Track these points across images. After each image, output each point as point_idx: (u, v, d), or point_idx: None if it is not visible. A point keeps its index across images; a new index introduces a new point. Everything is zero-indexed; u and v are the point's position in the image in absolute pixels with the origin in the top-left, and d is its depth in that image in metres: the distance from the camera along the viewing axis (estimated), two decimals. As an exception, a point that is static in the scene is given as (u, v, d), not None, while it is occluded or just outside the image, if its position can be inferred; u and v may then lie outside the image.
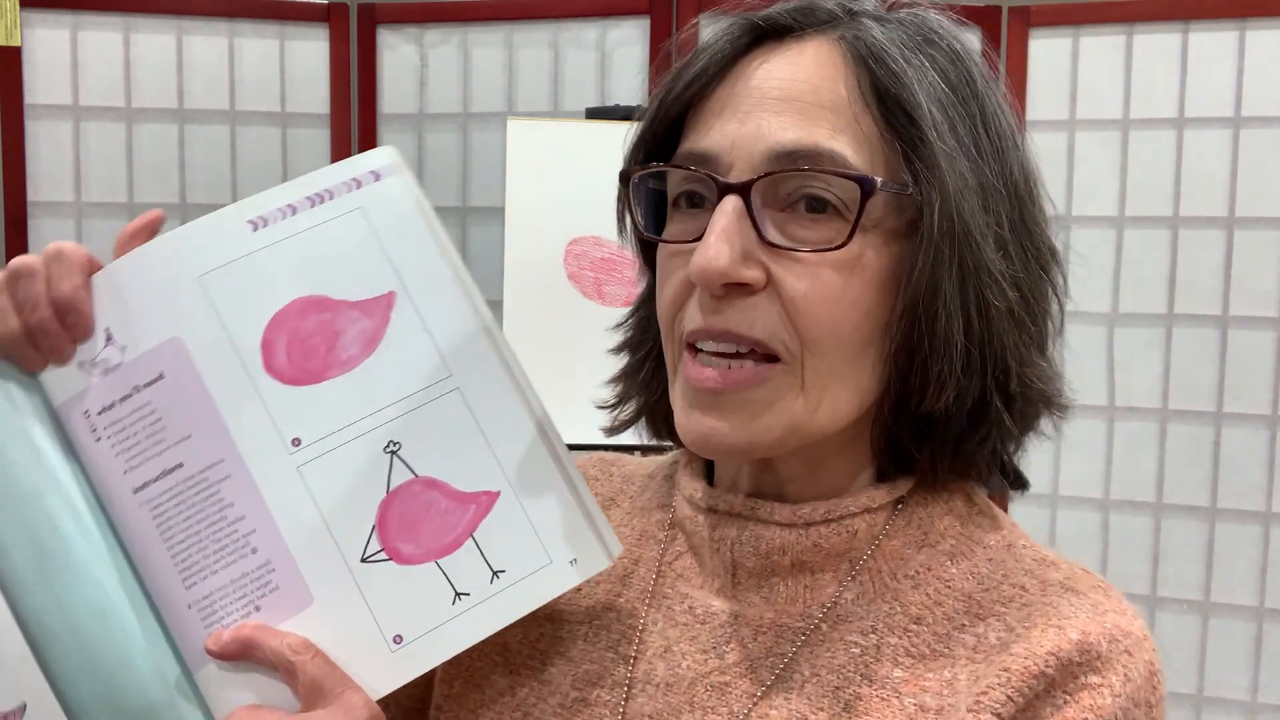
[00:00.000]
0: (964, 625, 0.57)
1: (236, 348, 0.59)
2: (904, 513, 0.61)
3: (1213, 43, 2.11)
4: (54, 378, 0.59)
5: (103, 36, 2.22)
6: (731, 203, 0.56)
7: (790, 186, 0.56)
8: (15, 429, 0.58)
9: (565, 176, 1.75)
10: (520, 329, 1.70)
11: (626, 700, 0.61)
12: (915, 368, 0.57)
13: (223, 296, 0.60)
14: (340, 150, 2.31)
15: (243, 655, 0.57)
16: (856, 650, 0.58)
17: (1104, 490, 2.24)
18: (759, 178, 0.56)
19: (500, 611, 0.59)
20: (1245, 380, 2.11)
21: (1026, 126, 2.24)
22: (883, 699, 0.56)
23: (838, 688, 0.57)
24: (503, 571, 0.59)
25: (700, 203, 0.59)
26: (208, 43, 2.25)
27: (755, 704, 0.58)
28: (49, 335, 0.59)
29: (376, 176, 0.62)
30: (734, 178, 0.56)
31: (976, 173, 0.57)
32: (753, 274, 0.56)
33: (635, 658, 0.63)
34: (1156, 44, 2.15)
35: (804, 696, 0.57)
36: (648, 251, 0.66)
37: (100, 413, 0.59)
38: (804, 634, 0.59)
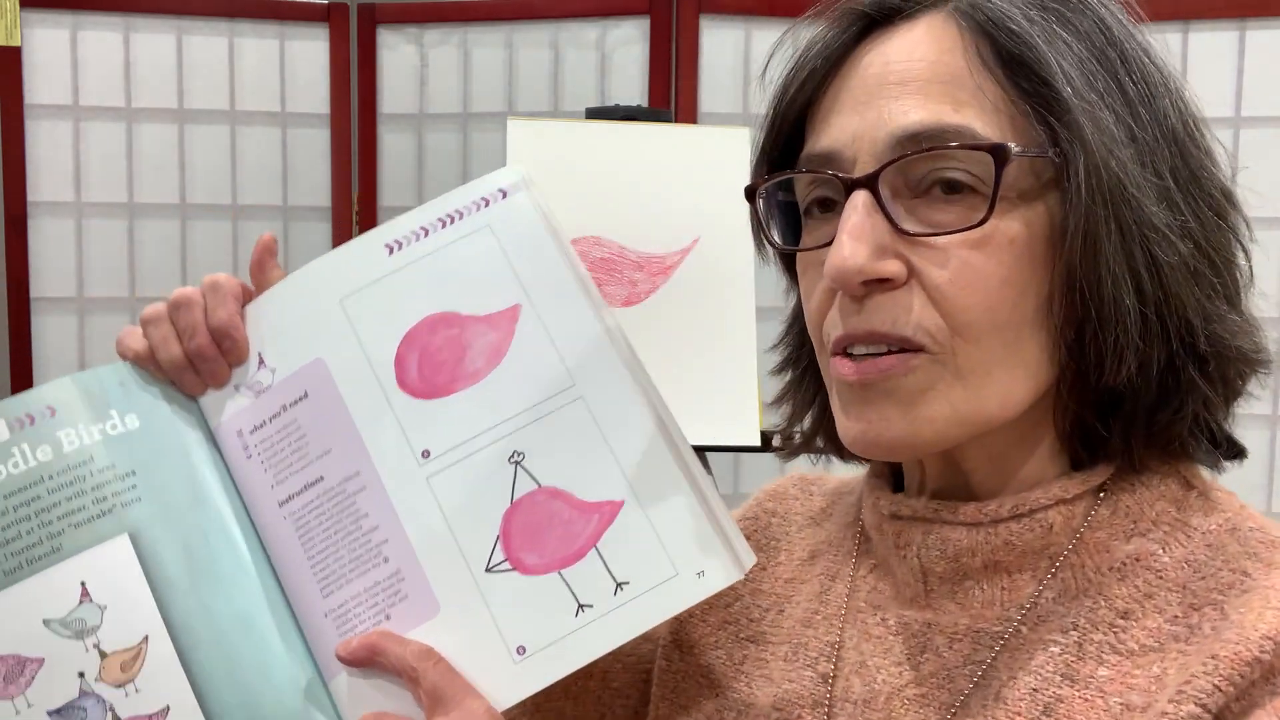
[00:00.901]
0: (1177, 617, 0.53)
1: (372, 365, 0.61)
2: (1108, 501, 0.56)
3: (1213, 43, 2.11)
4: (211, 400, 0.63)
5: (103, 36, 2.22)
6: (860, 198, 0.53)
7: (921, 171, 0.53)
8: (174, 446, 0.61)
9: (565, 176, 1.75)
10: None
11: (828, 719, 0.60)
12: (1088, 340, 0.53)
13: (361, 317, 0.62)
14: (340, 150, 2.31)
15: (370, 662, 0.57)
16: (1056, 649, 0.54)
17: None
18: (883, 167, 0.53)
19: (624, 624, 0.57)
20: (1245, 380, 2.11)
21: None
22: (1086, 700, 0.52)
23: (1035, 689, 0.53)
24: (626, 583, 0.58)
25: (831, 206, 0.57)
26: (208, 43, 2.25)
27: (953, 715, 0.55)
28: (207, 360, 0.62)
29: (504, 194, 0.63)
30: (859, 172, 0.54)
31: (1124, 124, 0.53)
32: (891, 267, 0.53)
33: (834, 676, 0.61)
34: (1156, 44, 2.14)
35: (1002, 703, 0.54)
36: (790, 264, 0.63)
37: (252, 431, 0.62)
38: (1002, 639, 0.56)
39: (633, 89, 2.23)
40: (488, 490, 0.59)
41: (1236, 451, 0.60)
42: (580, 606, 0.57)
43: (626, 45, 2.24)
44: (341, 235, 2.33)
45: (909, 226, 0.53)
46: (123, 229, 2.25)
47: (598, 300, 0.62)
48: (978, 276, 0.52)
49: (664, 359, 1.69)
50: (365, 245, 0.64)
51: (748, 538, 0.68)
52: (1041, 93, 0.52)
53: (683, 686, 0.67)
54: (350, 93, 2.31)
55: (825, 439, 0.66)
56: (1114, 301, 0.52)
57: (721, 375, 1.69)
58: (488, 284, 0.62)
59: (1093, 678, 0.52)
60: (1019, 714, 0.53)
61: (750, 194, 0.60)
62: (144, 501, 0.59)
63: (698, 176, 1.75)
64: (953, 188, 0.53)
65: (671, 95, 2.22)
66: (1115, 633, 0.53)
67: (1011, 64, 0.52)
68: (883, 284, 0.53)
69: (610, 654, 0.59)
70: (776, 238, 0.60)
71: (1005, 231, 0.52)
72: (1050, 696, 0.53)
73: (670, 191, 1.77)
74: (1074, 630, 0.54)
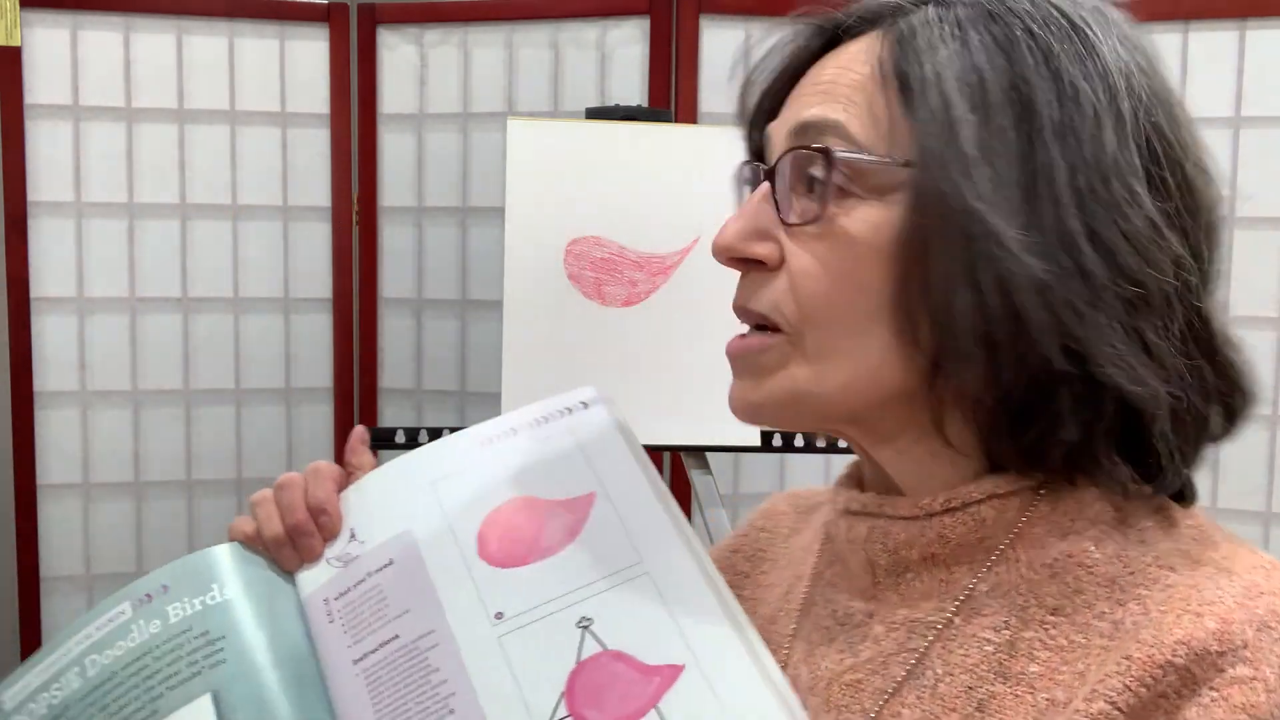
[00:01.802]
0: (1104, 613, 0.54)
1: (456, 537, 0.67)
2: (1049, 497, 0.57)
3: (1213, 43, 2.11)
4: (305, 575, 0.69)
5: (103, 36, 2.22)
6: (764, 185, 0.59)
7: (808, 167, 0.57)
8: (264, 613, 0.67)
9: (565, 176, 1.75)
10: (520, 329, 1.70)
11: None
12: (935, 347, 0.55)
13: (449, 497, 0.69)
14: (340, 150, 2.31)
15: None
16: (990, 648, 0.56)
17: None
18: (781, 157, 0.58)
19: None
20: (1245, 380, 2.10)
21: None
22: (1016, 696, 0.54)
23: (971, 687, 0.55)
24: None
25: None
26: (208, 43, 2.25)
27: (887, 701, 0.58)
28: (305, 534, 0.68)
29: (585, 406, 0.73)
30: (770, 162, 0.60)
31: (1005, 145, 0.53)
32: (760, 250, 0.58)
33: (784, 665, 0.64)
34: (1157, 44, 2.14)
35: (936, 696, 0.56)
36: None
37: (336, 598, 0.67)
38: (936, 628, 0.58)
39: (633, 89, 2.23)
40: (555, 651, 0.63)
41: (1177, 491, 0.58)
42: None
43: (626, 45, 2.24)
44: (341, 235, 2.33)
45: (788, 216, 0.58)
46: (123, 229, 2.25)
47: (664, 492, 0.68)
48: (820, 268, 0.57)
49: (664, 359, 1.69)
50: (461, 439, 0.72)
51: (737, 551, 0.76)
52: (915, 108, 0.55)
53: None
54: (350, 93, 2.31)
55: None
56: (945, 310, 0.54)
57: (722, 375, 1.69)
58: (566, 475, 0.69)
59: (1024, 674, 0.54)
60: (954, 710, 0.55)
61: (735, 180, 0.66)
62: (228, 663, 0.64)
63: (698, 176, 1.75)
64: (819, 183, 0.57)
65: (671, 95, 2.22)
66: (1046, 629, 0.55)
67: (899, 77, 0.56)
68: (758, 265, 0.59)
69: None
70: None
71: (848, 229, 0.56)
72: (984, 694, 0.55)
73: (670, 191, 1.77)
74: (1006, 629, 0.56)
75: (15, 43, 2.17)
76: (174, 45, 2.24)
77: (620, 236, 1.72)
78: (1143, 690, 0.49)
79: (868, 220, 0.56)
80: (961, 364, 0.54)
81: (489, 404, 2.30)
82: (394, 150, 2.34)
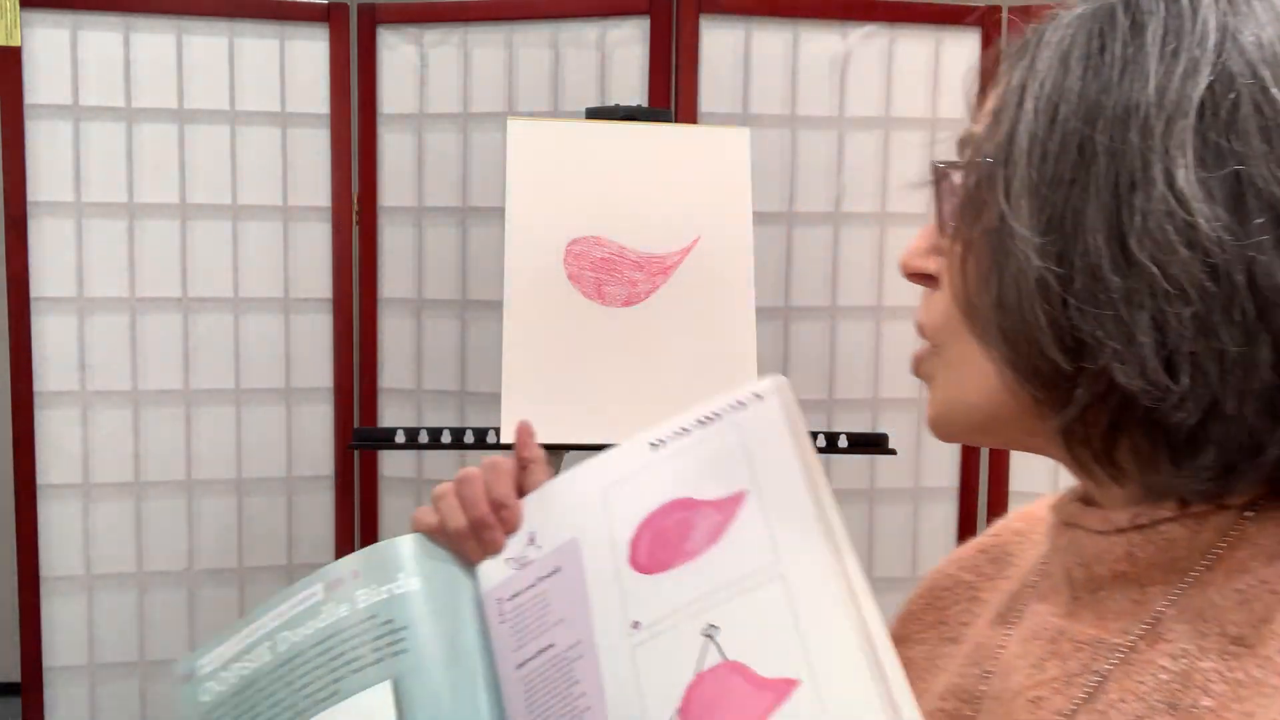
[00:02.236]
0: None
1: (614, 545, 0.69)
2: (1258, 519, 0.53)
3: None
4: (485, 568, 0.71)
5: (103, 36, 2.22)
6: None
7: (945, 180, 0.58)
8: (446, 607, 0.70)
9: (565, 176, 1.75)
10: (520, 329, 1.70)
11: (976, 715, 0.62)
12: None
13: (616, 502, 0.70)
14: (340, 150, 2.31)
15: None
16: (1165, 676, 0.53)
17: (1104, 490, 2.24)
18: (944, 171, 0.59)
19: None
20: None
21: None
22: None
23: (1140, 716, 0.52)
24: None
25: None
26: (208, 43, 2.25)
27: None
28: (487, 527, 0.70)
29: (759, 398, 0.70)
30: None
31: (1044, 143, 0.51)
32: (928, 264, 0.59)
33: (990, 674, 0.63)
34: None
35: None
36: None
37: (509, 599, 0.69)
38: (1120, 651, 0.55)
39: (633, 89, 2.23)
40: (678, 663, 0.63)
41: None
42: None
43: (626, 45, 2.24)
44: (341, 235, 2.33)
45: (945, 231, 0.58)
46: (123, 229, 2.25)
47: (819, 487, 0.66)
48: (948, 276, 0.57)
49: (664, 359, 1.69)
50: (634, 444, 0.72)
51: (985, 551, 0.74)
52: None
53: None
54: (350, 93, 2.31)
55: None
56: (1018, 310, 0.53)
57: (721, 375, 1.69)
58: (724, 474, 0.68)
59: (1194, 707, 0.51)
60: None
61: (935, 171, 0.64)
62: (409, 653, 0.67)
63: (698, 176, 1.75)
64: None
65: (671, 95, 2.22)
66: (1225, 660, 0.51)
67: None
68: (932, 280, 0.59)
69: None
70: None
71: (965, 237, 0.56)
72: None
73: (670, 191, 1.77)
74: (1184, 657, 0.53)
75: (15, 43, 2.17)
76: (174, 45, 2.24)
77: (620, 236, 1.72)
78: None
79: (971, 229, 0.55)
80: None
81: (489, 404, 2.30)
82: (394, 150, 2.34)
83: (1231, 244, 0.47)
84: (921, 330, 0.60)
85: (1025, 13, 0.62)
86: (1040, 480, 2.29)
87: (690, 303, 1.70)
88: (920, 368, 0.61)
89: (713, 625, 0.63)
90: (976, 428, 0.59)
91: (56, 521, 2.26)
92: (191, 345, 2.30)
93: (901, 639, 0.71)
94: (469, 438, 1.79)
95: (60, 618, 2.27)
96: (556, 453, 1.63)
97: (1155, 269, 0.48)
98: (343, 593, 0.69)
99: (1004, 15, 2.25)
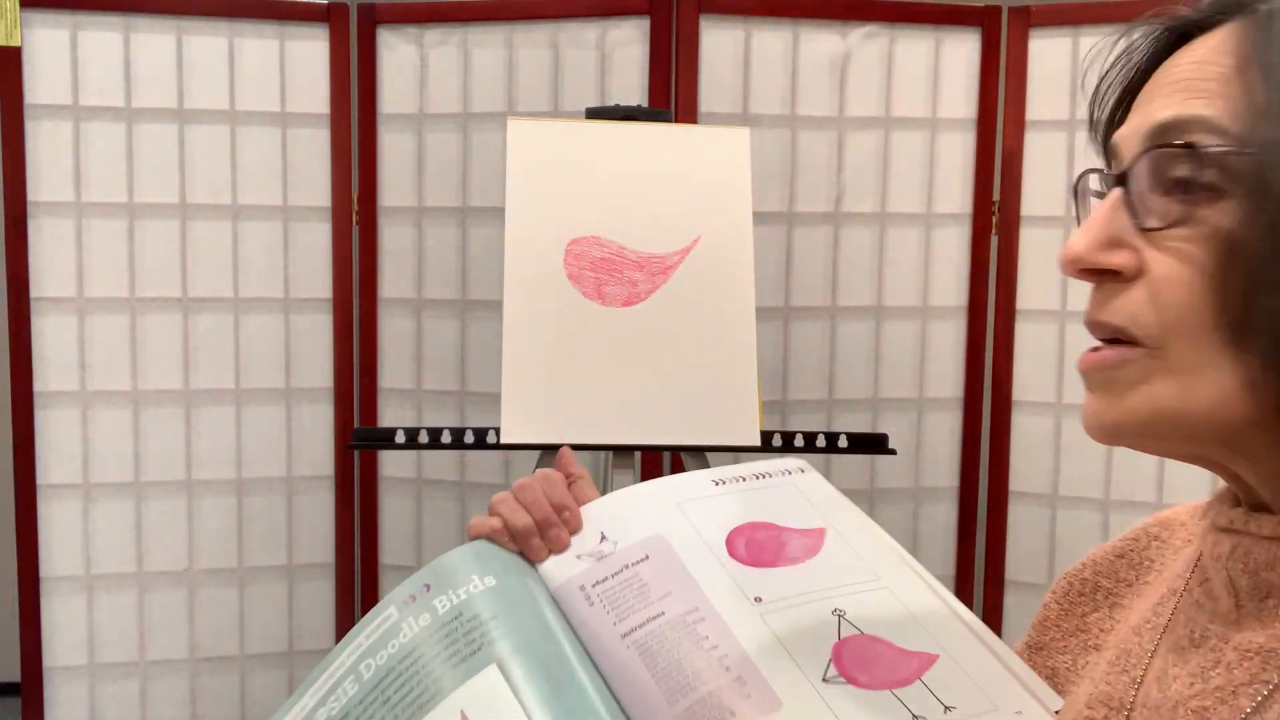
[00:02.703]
0: None
1: (706, 542, 0.74)
2: None
3: None
4: (552, 565, 0.75)
5: (103, 36, 2.22)
6: (1116, 192, 0.56)
7: (1169, 168, 0.53)
8: (524, 597, 0.72)
9: (565, 176, 1.74)
10: (520, 329, 1.70)
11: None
12: None
13: (694, 514, 0.76)
14: (340, 150, 2.32)
15: None
16: None
17: (1104, 490, 2.24)
18: (1135, 161, 0.55)
19: None
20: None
21: (1027, 126, 2.25)
22: None
23: None
24: (954, 708, 0.63)
25: None
26: (208, 43, 2.26)
27: None
28: (553, 526, 0.74)
29: (803, 471, 0.80)
30: (1117, 169, 0.57)
31: None
32: (1116, 259, 0.54)
33: (1141, 681, 0.62)
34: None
35: None
36: None
37: (594, 585, 0.73)
38: None
39: (633, 89, 2.23)
40: (816, 629, 0.68)
41: None
42: (915, 717, 0.63)
43: (626, 45, 2.24)
44: (341, 235, 2.33)
45: (1147, 221, 0.54)
46: (123, 229, 2.25)
47: (882, 532, 0.76)
48: (1187, 273, 0.52)
49: (664, 359, 1.69)
50: (695, 476, 0.79)
51: (1122, 556, 0.74)
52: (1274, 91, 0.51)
53: None
54: (350, 93, 2.31)
55: None
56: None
57: (721, 375, 1.69)
58: (798, 513, 0.77)
59: None
60: None
61: (1075, 189, 0.63)
62: (506, 637, 0.69)
63: (698, 176, 1.75)
64: (1184, 183, 0.53)
65: (671, 95, 2.22)
66: None
67: (1261, 62, 0.52)
68: (1113, 275, 0.55)
69: None
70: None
71: (1221, 228, 0.51)
72: None
73: (670, 191, 1.77)
74: None
75: (15, 43, 2.17)
76: (174, 45, 2.24)
77: (620, 236, 1.72)
78: None
79: (1219, 220, 0.51)
80: None
81: (489, 404, 2.30)
82: (394, 150, 2.34)
83: None
84: (1117, 331, 0.55)
85: (1025, 13, 0.63)
86: (1041, 480, 2.29)
87: (690, 303, 1.70)
88: (1117, 371, 0.55)
89: (840, 609, 0.69)
90: (1177, 436, 0.55)
91: (56, 521, 2.26)
92: (191, 345, 2.30)
93: (1041, 647, 0.73)
94: (469, 438, 1.78)
95: (60, 618, 2.27)
96: (556, 453, 1.63)
97: None
98: (419, 605, 0.71)
99: (1004, 15, 2.26)
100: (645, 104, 2.21)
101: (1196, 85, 0.53)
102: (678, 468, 2.04)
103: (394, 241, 2.35)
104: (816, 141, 2.27)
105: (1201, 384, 0.53)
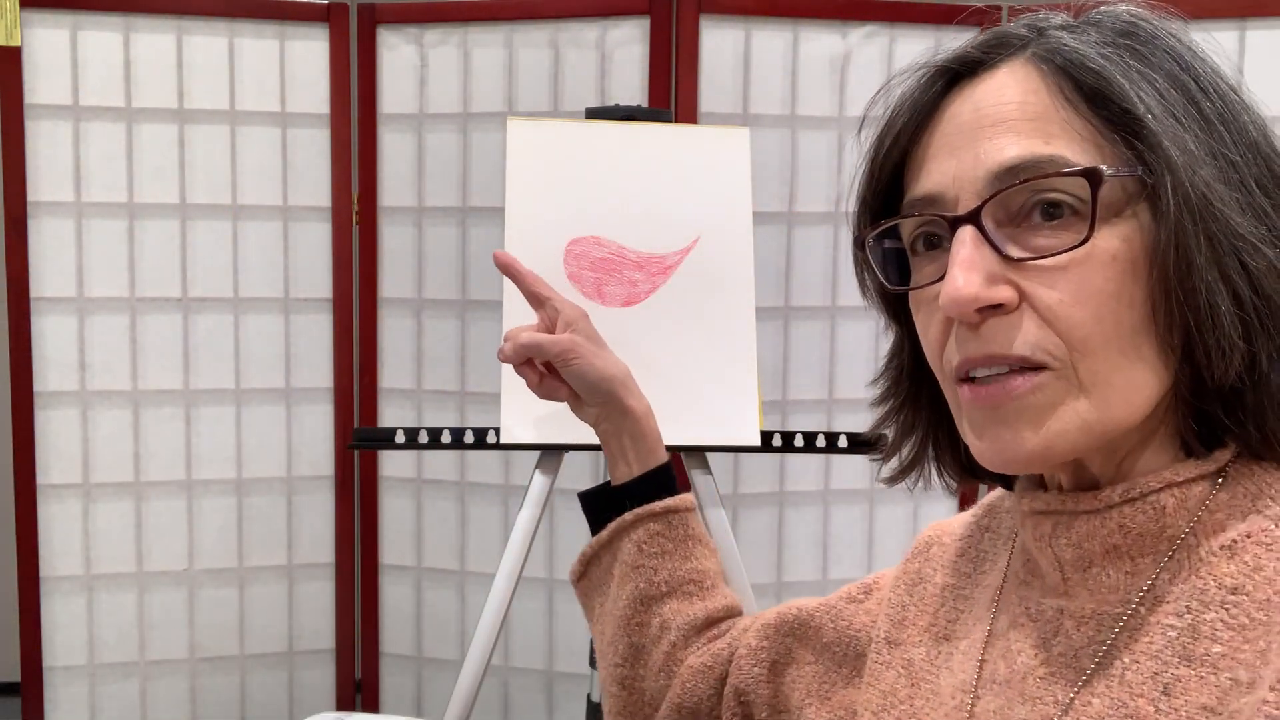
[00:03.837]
0: None
1: None
2: (1228, 485, 0.59)
3: (1212, 43, 2.11)
4: None
5: (103, 36, 2.22)
6: (967, 232, 0.58)
7: (1019, 201, 0.58)
8: None
9: (565, 176, 1.75)
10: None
11: (974, 700, 0.66)
12: (1194, 345, 0.57)
13: None
14: (340, 150, 2.32)
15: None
16: (1173, 633, 0.57)
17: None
18: (985, 201, 0.58)
19: None
20: (1245, 380, 2.11)
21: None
22: (1200, 678, 0.55)
23: (1156, 673, 0.57)
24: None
25: (938, 243, 0.63)
26: (208, 43, 2.25)
27: (1078, 692, 0.59)
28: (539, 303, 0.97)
29: None
30: (962, 209, 0.59)
31: (1204, 144, 0.57)
32: (1003, 294, 0.57)
33: (983, 661, 0.67)
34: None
35: (1124, 684, 0.57)
36: (889, 306, 0.73)
37: None
38: (1122, 619, 0.59)
39: (633, 89, 2.23)
40: None
41: None
42: None
43: (626, 45, 2.24)
44: (341, 235, 2.33)
45: (1014, 253, 0.58)
46: (123, 229, 2.25)
47: None
48: (1084, 292, 0.56)
49: (664, 359, 1.69)
50: None
51: (963, 555, 0.78)
52: (1125, 121, 0.56)
53: (887, 676, 0.76)
54: (350, 93, 2.31)
55: (934, 464, 0.72)
56: (1210, 308, 0.55)
57: (721, 375, 1.69)
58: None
59: (1207, 655, 0.55)
60: (1141, 695, 0.56)
61: (860, 243, 0.66)
62: None
63: (698, 176, 1.75)
64: (1054, 211, 0.57)
65: (671, 95, 2.22)
66: (1226, 609, 0.55)
67: (1094, 98, 0.57)
68: (996, 310, 0.58)
69: (835, 629, 0.83)
70: (884, 280, 0.66)
71: (1106, 249, 0.56)
72: (1169, 678, 0.56)
73: (670, 191, 1.77)
74: (1188, 613, 0.57)
75: (15, 43, 2.17)
76: (174, 45, 2.24)
77: (620, 236, 1.72)
78: None
79: (1116, 237, 0.56)
80: (1224, 355, 0.55)
81: (489, 404, 2.30)
82: (394, 150, 2.34)
83: None
84: (1022, 360, 0.58)
85: (1025, 13, 0.63)
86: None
87: (690, 303, 1.70)
88: (1034, 398, 0.58)
89: None
90: (1099, 445, 0.59)
91: (56, 521, 2.26)
92: (191, 345, 2.30)
93: (898, 643, 0.77)
94: (469, 438, 1.79)
95: (60, 618, 2.27)
96: (556, 453, 1.63)
97: None
98: None
99: (1004, 15, 2.25)
100: (645, 104, 2.21)
101: (1026, 126, 0.58)
102: (679, 468, 2.04)
103: (394, 241, 2.35)
104: (816, 141, 2.27)
105: (1114, 393, 0.57)
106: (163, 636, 2.33)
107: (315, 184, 2.33)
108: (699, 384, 1.67)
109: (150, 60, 2.24)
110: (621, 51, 2.24)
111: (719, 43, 2.23)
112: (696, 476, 1.79)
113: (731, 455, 2.24)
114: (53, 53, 2.20)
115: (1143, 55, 0.58)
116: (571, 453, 1.66)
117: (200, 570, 2.33)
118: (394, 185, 2.34)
